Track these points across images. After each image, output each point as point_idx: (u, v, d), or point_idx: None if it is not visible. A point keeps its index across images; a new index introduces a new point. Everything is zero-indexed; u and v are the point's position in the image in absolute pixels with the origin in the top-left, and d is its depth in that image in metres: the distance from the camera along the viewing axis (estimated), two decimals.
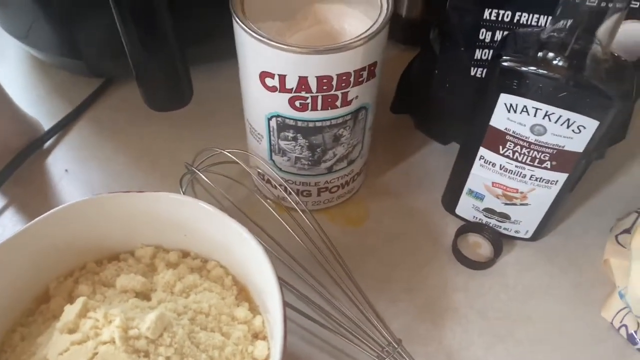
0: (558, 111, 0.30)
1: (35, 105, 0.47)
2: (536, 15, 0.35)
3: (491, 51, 0.37)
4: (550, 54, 0.29)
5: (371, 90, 0.34)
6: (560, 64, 0.29)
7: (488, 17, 0.35)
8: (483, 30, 0.36)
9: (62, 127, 0.46)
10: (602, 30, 0.28)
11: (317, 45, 0.30)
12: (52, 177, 0.43)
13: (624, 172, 0.44)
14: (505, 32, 0.35)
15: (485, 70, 0.37)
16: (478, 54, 0.37)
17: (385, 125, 0.45)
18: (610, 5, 0.26)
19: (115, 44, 0.36)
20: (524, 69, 0.30)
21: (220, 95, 0.46)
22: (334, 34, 0.37)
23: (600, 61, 0.29)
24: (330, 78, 0.31)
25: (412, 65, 0.44)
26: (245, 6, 0.33)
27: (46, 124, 0.46)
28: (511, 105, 0.31)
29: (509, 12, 0.35)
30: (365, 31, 0.31)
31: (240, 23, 0.31)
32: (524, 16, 0.35)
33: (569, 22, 0.28)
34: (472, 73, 0.38)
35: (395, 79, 0.46)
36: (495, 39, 0.36)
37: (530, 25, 0.35)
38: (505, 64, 0.30)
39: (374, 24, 0.31)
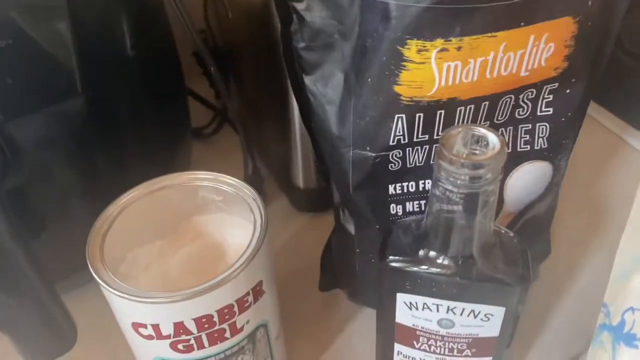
0: (460, 305, 0.28)
1: None
2: None
3: None
4: (432, 253, 0.27)
5: (264, 307, 0.31)
6: (446, 262, 0.27)
7: (394, 192, 0.34)
8: (393, 205, 0.34)
9: None
10: (481, 213, 0.26)
11: (186, 289, 0.27)
12: None
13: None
14: (415, 203, 0.34)
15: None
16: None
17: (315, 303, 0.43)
18: (481, 190, 0.25)
19: None
20: (412, 269, 0.28)
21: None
22: (217, 246, 0.34)
23: (488, 246, 0.27)
24: (210, 316, 0.28)
25: (330, 243, 0.42)
26: (107, 243, 0.30)
27: None
28: (411, 303, 0.29)
29: (413, 183, 0.33)
30: (239, 258, 0.28)
31: (97, 277, 0.28)
32: (429, 183, 0.33)
33: (444, 209, 0.26)
34: None
35: (310, 251, 0.44)
36: (408, 210, 0.34)
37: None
38: (392, 264, 0.28)
39: (248, 247, 0.29)
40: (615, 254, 0.44)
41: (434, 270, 0.27)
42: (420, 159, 0.32)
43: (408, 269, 0.28)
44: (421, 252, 0.28)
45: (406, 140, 0.31)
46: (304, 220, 0.50)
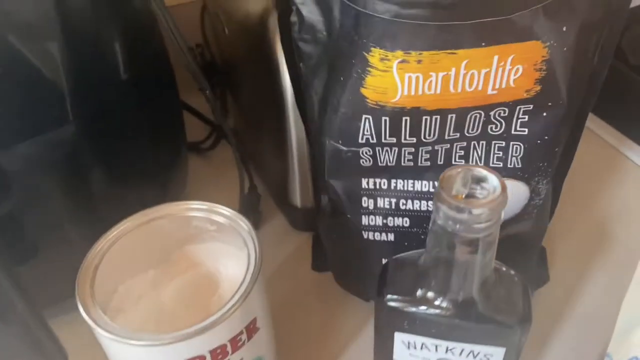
0: (459, 345, 0.27)
1: None
2: (410, 181, 0.34)
3: (377, 217, 0.36)
4: (431, 294, 0.26)
5: (259, 344, 0.31)
6: (445, 304, 0.26)
7: (367, 186, 0.35)
8: (365, 198, 0.35)
9: None
10: (481, 255, 0.25)
11: (178, 330, 0.26)
12: None
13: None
14: (387, 200, 0.35)
15: (375, 233, 0.37)
16: (365, 220, 0.36)
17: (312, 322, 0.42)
18: (481, 234, 0.24)
19: None
20: (410, 309, 0.27)
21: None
22: (210, 276, 0.34)
23: (488, 286, 0.26)
24: (202, 357, 0.27)
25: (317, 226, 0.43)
26: (98, 277, 0.30)
27: None
28: (409, 342, 0.28)
29: (385, 180, 0.34)
30: (231, 298, 0.28)
31: (87, 318, 0.27)
32: (400, 183, 0.34)
33: (443, 250, 0.25)
34: (365, 237, 0.37)
35: (307, 270, 0.45)
36: (379, 205, 0.35)
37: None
38: (390, 303, 0.27)
39: (241, 285, 0.28)
40: (615, 275, 0.44)
41: (433, 311, 0.26)
42: (391, 160, 0.33)
43: (406, 309, 0.27)
44: (419, 292, 0.27)
45: (374, 140, 0.32)
46: (301, 239, 0.49)
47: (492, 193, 0.23)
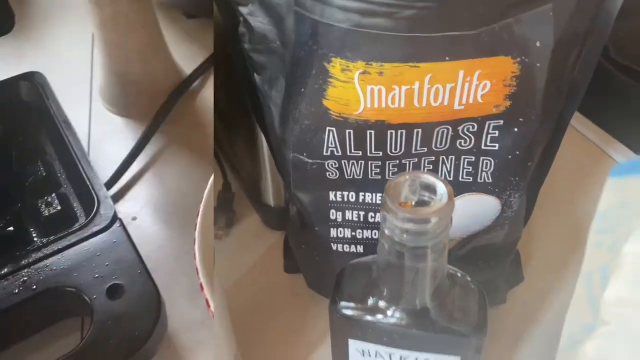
0: (412, 354, 0.27)
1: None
2: (379, 194, 0.33)
3: (346, 230, 0.35)
4: (383, 303, 0.26)
5: None
6: (398, 314, 0.26)
7: (334, 199, 0.34)
8: (333, 210, 0.34)
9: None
10: (432, 263, 0.25)
11: None
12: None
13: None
14: (355, 212, 0.34)
15: (344, 246, 0.36)
16: (333, 232, 0.35)
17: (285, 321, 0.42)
18: (429, 243, 0.23)
19: None
20: (363, 318, 0.26)
21: None
22: None
23: (442, 293, 0.26)
24: None
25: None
26: None
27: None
28: (363, 350, 0.28)
29: (353, 193, 0.33)
30: None
31: None
32: (368, 196, 0.33)
33: (393, 258, 0.25)
34: (334, 248, 0.36)
35: (281, 269, 0.44)
36: (347, 218, 0.35)
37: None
38: (343, 311, 0.27)
39: None
40: None
41: (385, 321, 0.26)
42: (358, 172, 0.32)
43: (359, 317, 0.26)
44: (371, 300, 0.26)
45: (340, 153, 0.31)
46: (275, 237, 0.48)
47: (439, 201, 0.23)
